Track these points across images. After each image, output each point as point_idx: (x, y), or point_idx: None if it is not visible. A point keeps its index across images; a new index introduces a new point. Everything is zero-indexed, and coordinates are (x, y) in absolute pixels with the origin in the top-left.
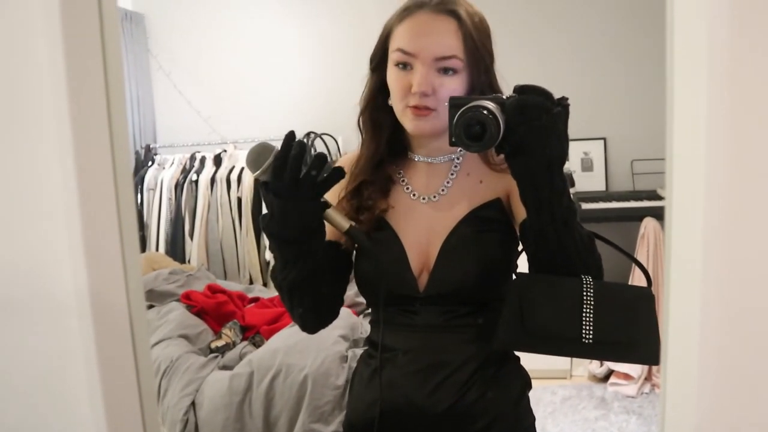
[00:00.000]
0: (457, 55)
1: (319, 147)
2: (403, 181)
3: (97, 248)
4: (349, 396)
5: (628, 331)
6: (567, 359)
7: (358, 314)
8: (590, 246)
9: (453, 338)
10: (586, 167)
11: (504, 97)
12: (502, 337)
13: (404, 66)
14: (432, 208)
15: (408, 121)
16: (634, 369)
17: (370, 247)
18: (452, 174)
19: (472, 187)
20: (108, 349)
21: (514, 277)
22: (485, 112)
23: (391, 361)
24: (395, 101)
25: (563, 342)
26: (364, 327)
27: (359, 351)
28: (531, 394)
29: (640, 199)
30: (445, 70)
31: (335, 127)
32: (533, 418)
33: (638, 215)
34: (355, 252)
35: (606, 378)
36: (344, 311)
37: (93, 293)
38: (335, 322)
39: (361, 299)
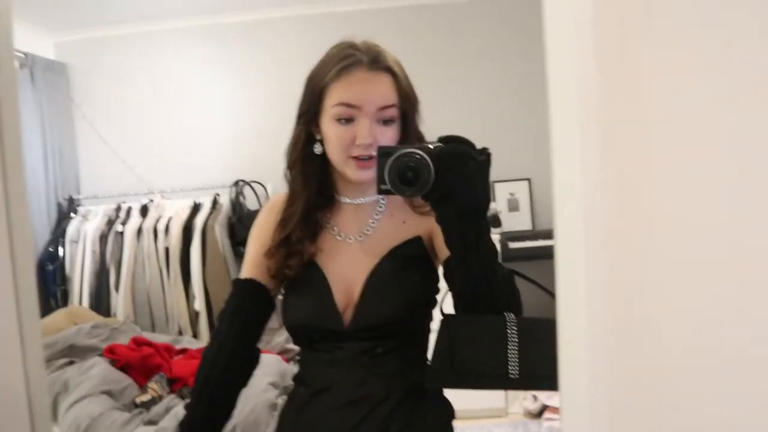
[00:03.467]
0: (396, 104)
1: (248, 194)
2: (329, 223)
3: None
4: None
5: (551, 362)
6: (502, 397)
7: (288, 361)
8: (511, 282)
9: (375, 372)
10: (512, 207)
11: (430, 146)
12: (434, 376)
13: (346, 120)
14: (357, 247)
15: (351, 171)
16: None
17: None
18: (377, 215)
19: (396, 226)
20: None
21: (439, 313)
22: (418, 157)
23: (317, 397)
24: (336, 152)
25: (492, 378)
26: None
27: None
28: None
29: None
30: (385, 121)
31: (263, 175)
32: None
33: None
34: (282, 296)
35: (540, 413)
36: (274, 358)
37: None
38: (265, 370)
39: (292, 346)
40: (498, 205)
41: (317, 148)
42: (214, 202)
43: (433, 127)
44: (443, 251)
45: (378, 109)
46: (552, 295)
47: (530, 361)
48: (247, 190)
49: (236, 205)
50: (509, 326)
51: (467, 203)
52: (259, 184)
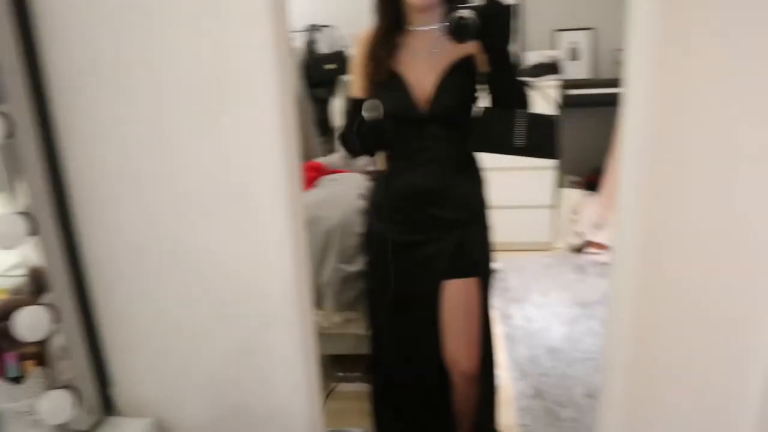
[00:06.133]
0: None
1: (320, 38)
2: (405, 44)
3: None
4: (374, 186)
5: (539, 139)
6: (548, 233)
7: (370, 180)
8: (524, 88)
9: (441, 143)
10: (573, 56)
11: (477, 5)
12: (473, 143)
13: None
14: (425, 61)
15: None
16: (608, 239)
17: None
18: (437, 38)
19: (452, 47)
20: None
21: (477, 107)
22: (469, 21)
23: (405, 158)
24: None
25: (505, 145)
26: None
27: None
28: (516, 262)
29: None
30: None
31: (334, 19)
32: (486, 199)
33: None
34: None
35: (581, 248)
36: (359, 176)
37: None
38: (353, 183)
39: (370, 168)
40: (559, 53)
41: None
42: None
43: None
44: (484, 66)
45: None
46: (552, 104)
47: (530, 137)
48: (319, 35)
49: (310, 47)
50: (518, 115)
51: (499, 41)
52: (332, 27)
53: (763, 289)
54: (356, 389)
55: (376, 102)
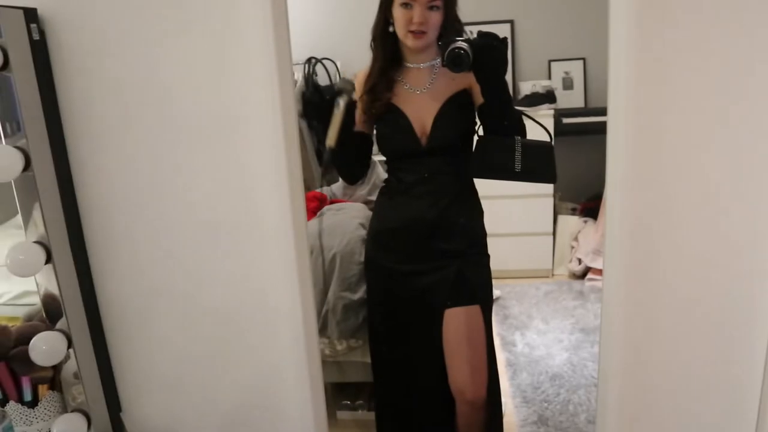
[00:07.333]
0: None
1: (320, 71)
2: (401, 80)
3: None
4: (375, 215)
5: (538, 164)
6: (549, 260)
7: (371, 210)
8: (520, 118)
9: (441, 175)
10: (566, 85)
11: (472, 38)
12: (473, 170)
13: (407, 6)
14: (423, 95)
15: (410, 41)
16: None
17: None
18: (434, 74)
19: (448, 82)
20: None
21: (476, 137)
22: (462, 52)
23: (404, 190)
24: (400, 28)
25: (505, 171)
26: None
27: None
28: (517, 290)
29: None
30: (431, 7)
31: (333, 53)
32: (485, 231)
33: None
34: (375, 131)
35: (583, 275)
36: (360, 206)
37: None
38: (355, 213)
39: (371, 198)
40: (553, 82)
41: (391, 28)
42: None
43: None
44: (478, 99)
45: (428, 1)
46: (538, 122)
47: (527, 163)
48: (318, 67)
49: (309, 80)
50: (516, 142)
51: (493, 73)
52: (330, 60)
53: (753, 309)
54: (360, 417)
55: (350, 80)
